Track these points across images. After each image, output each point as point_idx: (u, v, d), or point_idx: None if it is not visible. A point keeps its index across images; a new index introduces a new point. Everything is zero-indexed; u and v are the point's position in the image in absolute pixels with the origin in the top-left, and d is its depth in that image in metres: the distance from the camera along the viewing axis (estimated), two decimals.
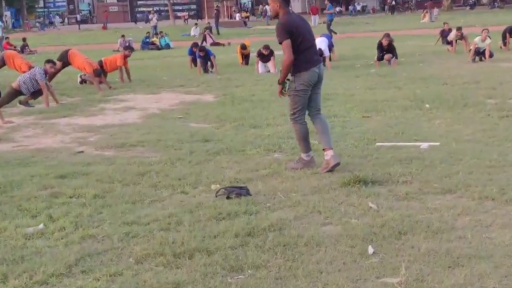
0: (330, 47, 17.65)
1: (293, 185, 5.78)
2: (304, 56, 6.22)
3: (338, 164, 6.18)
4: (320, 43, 15.87)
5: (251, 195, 5.49)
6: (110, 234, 4.66)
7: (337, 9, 63.49)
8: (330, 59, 16.76)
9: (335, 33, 31.68)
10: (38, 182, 6.16)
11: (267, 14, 50.08)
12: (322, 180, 5.88)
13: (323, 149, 6.36)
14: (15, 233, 4.74)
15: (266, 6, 55.92)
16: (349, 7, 68.26)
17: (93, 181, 6.16)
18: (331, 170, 6.14)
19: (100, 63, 14.65)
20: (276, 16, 6.39)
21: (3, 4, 61.43)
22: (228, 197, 5.42)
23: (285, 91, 6.37)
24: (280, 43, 6.17)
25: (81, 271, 4.04)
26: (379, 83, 13.22)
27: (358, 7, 68.71)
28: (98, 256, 4.27)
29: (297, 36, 6.16)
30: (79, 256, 4.24)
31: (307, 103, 6.39)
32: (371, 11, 68.19)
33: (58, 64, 13.74)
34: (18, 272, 4.01)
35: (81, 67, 14.08)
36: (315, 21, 39.76)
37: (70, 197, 5.65)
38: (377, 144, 7.38)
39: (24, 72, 12.37)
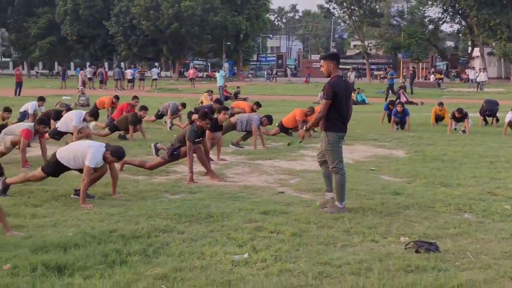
0: None
1: (484, 247, 5.44)
2: (339, 119, 6.80)
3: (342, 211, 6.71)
4: None
5: (440, 251, 5.27)
6: (305, 271, 4.73)
7: None
8: None
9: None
10: (244, 216, 6.46)
11: (475, 78, 46.22)
12: None
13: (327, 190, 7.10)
14: (224, 259, 5.01)
15: (469, 70, 53.47)
16: None
17: (291, 220, 6.32)
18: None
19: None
20: (328, 76, 6.93)
21: (224, 56, 66.09)
22: (417, 251, 5.25)
23: (303, 139, 7.41)
24: (324, 99, 6.77)
25: None
26: None
27: None
28: None
29: (339, 98, 6.75)
30: None
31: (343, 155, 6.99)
32: None
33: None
34: None
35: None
36: None
37: (271, 232, 5.84)
38: None
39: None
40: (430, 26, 64.24)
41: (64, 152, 7.32)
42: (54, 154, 7.43)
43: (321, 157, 7.07)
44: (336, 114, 6.78)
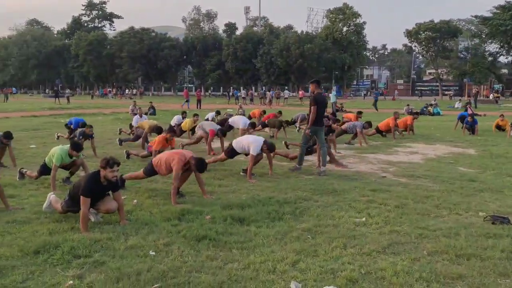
0: None
1: None
2: (317, 118, 7.62)
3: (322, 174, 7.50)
4: None
5: (511, 224, 4.83)
6: (408, 232, 4.56)
7: None
8: None
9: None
10: (359, 192, 6.33)
11: None
12: None
13: (319, 165, 7.82)
14: (348, 221, 4.95)
15: None
16: None
17: (394, 196, 6.09)
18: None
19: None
20: (313, 92, 7.74)
21: (333, 82, 64.91)
22: (493, 223, 4.86)
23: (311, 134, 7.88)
24: (311, 105, 7.57)
25: (391, 252, 4.04)
26: None
27: None
28: (402, 245, 4.22)
29: (318, 106, 7.58)
30: (389, 243, 4.25)
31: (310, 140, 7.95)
32: None
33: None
34: (353, 244, 4.19)
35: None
36: None
37: (380, 204, 5.67)
38: None
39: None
40: (490, 58, 58.81)
41: (237, 143, 7.60)
42: (230, 144, 7.72)
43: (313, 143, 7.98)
44: (318, 115, 7.61)
